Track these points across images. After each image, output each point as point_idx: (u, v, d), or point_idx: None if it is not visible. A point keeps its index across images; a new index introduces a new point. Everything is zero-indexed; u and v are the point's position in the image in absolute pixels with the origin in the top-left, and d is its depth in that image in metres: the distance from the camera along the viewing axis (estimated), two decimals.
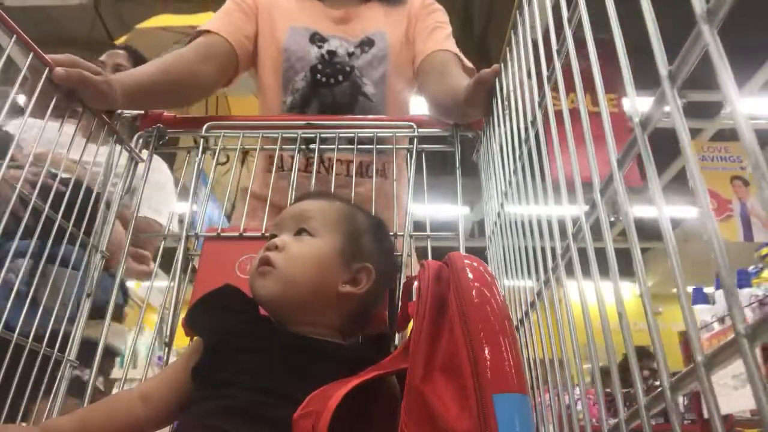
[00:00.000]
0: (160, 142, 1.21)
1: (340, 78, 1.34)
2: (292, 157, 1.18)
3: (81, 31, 5.31)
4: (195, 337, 0.82)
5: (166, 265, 1.05)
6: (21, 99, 0.93)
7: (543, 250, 0.65)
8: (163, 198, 1.80)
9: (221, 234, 1.07)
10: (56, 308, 0.97)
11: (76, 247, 1.02)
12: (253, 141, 1.18)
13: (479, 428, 0.53)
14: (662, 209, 0.37)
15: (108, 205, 1.10)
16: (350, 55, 1.35)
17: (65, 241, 0.97)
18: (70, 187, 0.98)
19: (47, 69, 0.93)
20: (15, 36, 0.87)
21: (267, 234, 1.05)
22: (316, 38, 1.36)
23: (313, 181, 1.15)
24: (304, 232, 0.81)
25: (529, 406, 0.56)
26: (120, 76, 1.08)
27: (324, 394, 0.62)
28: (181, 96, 1.30)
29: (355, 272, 0.81)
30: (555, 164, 0.59)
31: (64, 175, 0.99)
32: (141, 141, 1.19)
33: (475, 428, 0.53)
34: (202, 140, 1.17)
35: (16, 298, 0.88)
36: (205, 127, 1.19)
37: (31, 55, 0.90)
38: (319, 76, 1.34)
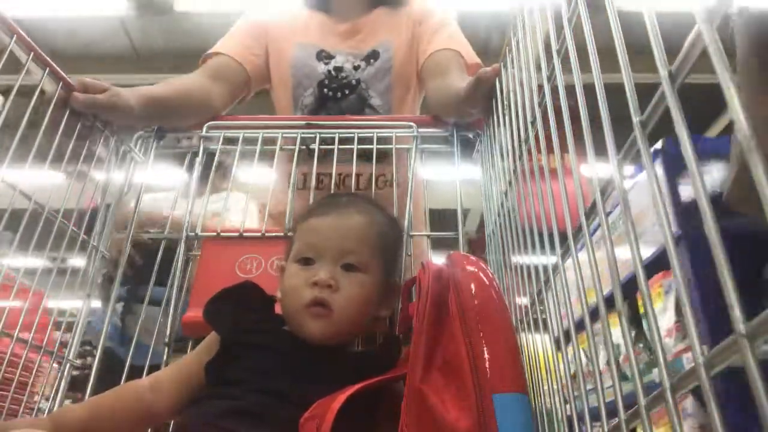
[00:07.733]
0: (160, 142, 1.21)
1: (347, 92, 1.35)
2: (306, 175, 1.22)
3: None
4: (199, 335, 0.83)
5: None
6: None
7: (543, 250, 0.64)
8: None
9: (221, 234, 1.07)
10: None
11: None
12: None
13: (479, 428, 0.53)
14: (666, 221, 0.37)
15: (108, 207, 1.11)
16: (356, 68, 1.37)
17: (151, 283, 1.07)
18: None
19: (60, 82, 0.97)
20: (15, 36, 0.87)
21: (267, 234, 1.06)
22: (323, 55, 1.38)
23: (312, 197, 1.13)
24: (353, 268, 0.78)
25: (529, 406, 0.56)
26: (134, 89, 1.10)
27: (330, 398, 0.62)
28: (194, 114, 1.25)
29: (390, 292, 0.84)
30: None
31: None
32: (141, 141, 1.19)
33: (474, 428, 0.54)
34: (201, 140, 1.17)
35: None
36: (205, 127, 1.19)
37: (46, 70, 0.94)
38: (326, 90, 1.35)
